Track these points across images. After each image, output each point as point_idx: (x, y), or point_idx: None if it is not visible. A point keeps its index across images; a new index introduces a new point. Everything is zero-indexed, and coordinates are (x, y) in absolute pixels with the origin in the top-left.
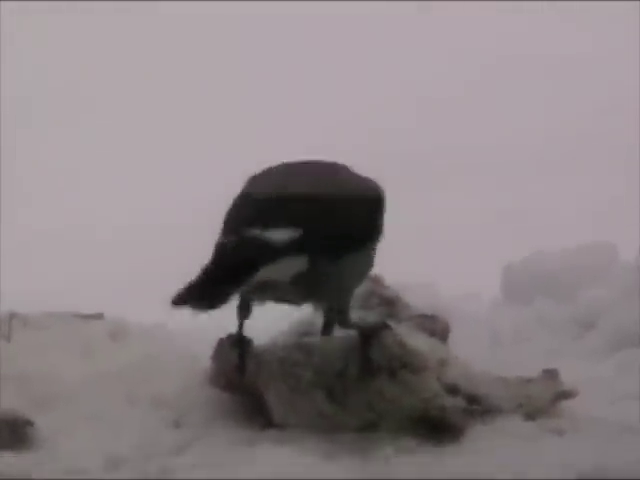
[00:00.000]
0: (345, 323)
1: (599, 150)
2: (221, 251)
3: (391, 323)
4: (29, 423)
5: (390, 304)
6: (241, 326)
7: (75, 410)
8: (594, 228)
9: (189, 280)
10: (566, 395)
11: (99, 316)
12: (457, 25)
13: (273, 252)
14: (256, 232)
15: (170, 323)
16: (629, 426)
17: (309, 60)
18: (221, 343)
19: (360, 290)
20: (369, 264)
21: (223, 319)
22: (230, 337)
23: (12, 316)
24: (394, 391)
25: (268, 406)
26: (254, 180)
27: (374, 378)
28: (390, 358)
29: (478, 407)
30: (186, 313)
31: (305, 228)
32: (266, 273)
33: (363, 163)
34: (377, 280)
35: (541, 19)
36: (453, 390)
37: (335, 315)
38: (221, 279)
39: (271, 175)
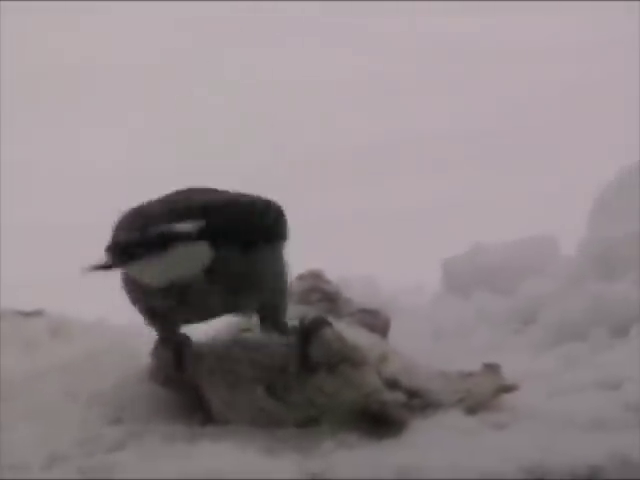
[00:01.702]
0: (281, 329)
1: (538, 143)
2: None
3: (331, 319)
4: None
5: (331, 299)
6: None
7: (15, 406)
8: (534, 221)
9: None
10: (507, 389)
11: (39, 313)
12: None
13: (172, 238)
14: (162, 228)
15: (111, 319)
16: (570, 420)
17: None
18: (160, 339)
19: (301, 285)
20: (282, 265)
21: None
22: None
23: None
24: (334, 386)
25: (207, 402)
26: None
27: (314, 373)
28: (330, 353)
29: (419, 401)
30: (126, 309)
31: (207, 219)
32: (172, 261)
33: (302, 150)
34: (318, 275)
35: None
36: (393, 384)
37: (269, 316)
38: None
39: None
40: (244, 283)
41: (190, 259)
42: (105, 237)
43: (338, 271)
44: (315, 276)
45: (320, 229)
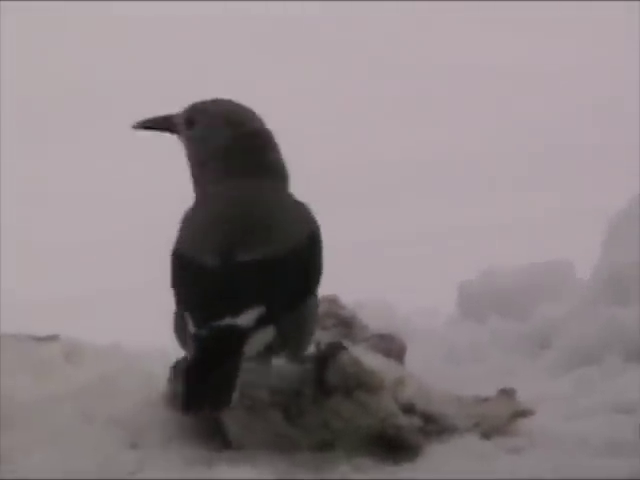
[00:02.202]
0: (300, 359)
1: (553, 167)
2: (201, 347)
3: (347, 343)
4: None
5: (346, 325)
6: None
7: (31, 431)
8: (548, 246)
9: (185, 383)
10: (523, 414)
11: (54, 337)
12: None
13: (246, 335)
14: (228, 321)
15: (125, 343)
16: (585, 443)
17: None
18: (177, 365)
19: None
20: (317, 304)
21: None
22: (185, 359)
23: None
24: (350, 410)
25: (225, 426)
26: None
27: (330, 398)
28: (346, 378)
29: (434, 426)
30: (142, 333)
31: (267, 303)
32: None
33: (316, 173)
34: (333, 301)
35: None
36: (409, 409)
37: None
38: (221, 381)
39: (213, 237)
40: (292, 339)
41: (259, 343)
42: (119, 260)
43: (353, 295)
44: (331, 301)
45: (335, 253)
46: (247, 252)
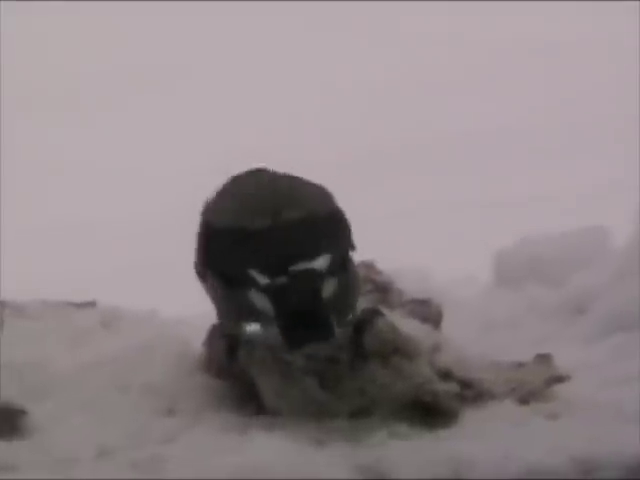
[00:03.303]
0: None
1: (589, 134)
2: (288, 291)
3: (384, 309)
4: (22, 412)
5: (383, 290)
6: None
7: (67, 399)
8: (584, 214)
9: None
10: (559, 379)
11: (91, 304)
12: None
13: (322, 278)
14: (305, 265)
15: (162, 311)
16: (621, 410)
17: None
18: (212, 330)
19: None
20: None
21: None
22: (221, 325)
23: (3, 305)
24: (386, 376)
25: (260, 392)
26: (245, 211)
27: (366, 364)
28: (382, 344)
29: (471, 392)
30: (178, 300)
31: (332, 253)
32: None
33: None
34: (370, 266)
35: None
36: (446, 375)
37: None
38: (317, 316)
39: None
40: (347, 298)
41: (327, 291)
42: (155, 231)
43: (390, 263)
44: (367, 267)
45: (373, 221)
46: (291, 211)
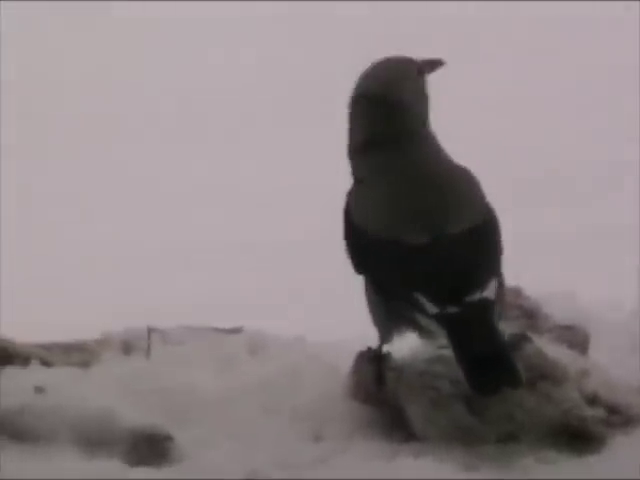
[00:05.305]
0: None
1: None
2: (466, 325)
3: (531, 335)
4: (169, 438)
5: (530, 316)
6: (382, 342)
7: (214, 424)
8: None
9: (477, 363)
10: None
11: (238, 330)
12: None
13: (493, 307)
14: (477, 296)
15: (309, 336)
16: None
17: None
18: (361, 356)
19: None
20: None
21: (362, 332)
22: (369, 350)
23: (151, 331)
24: (534, 402)
25: (408, 418)
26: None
27: (515, 390)
28: (530, 369)
29: (619, 417)
30: (325, 326)
31: (497, 275)
32: None
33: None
34: (517, 292)
35: None
36: (593, 400)
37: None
38: (500, 357)
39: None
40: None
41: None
42: (304, 255)
43: (537, 287)
44: (515, 293)
45: (519, 245)
46: (454, 223)
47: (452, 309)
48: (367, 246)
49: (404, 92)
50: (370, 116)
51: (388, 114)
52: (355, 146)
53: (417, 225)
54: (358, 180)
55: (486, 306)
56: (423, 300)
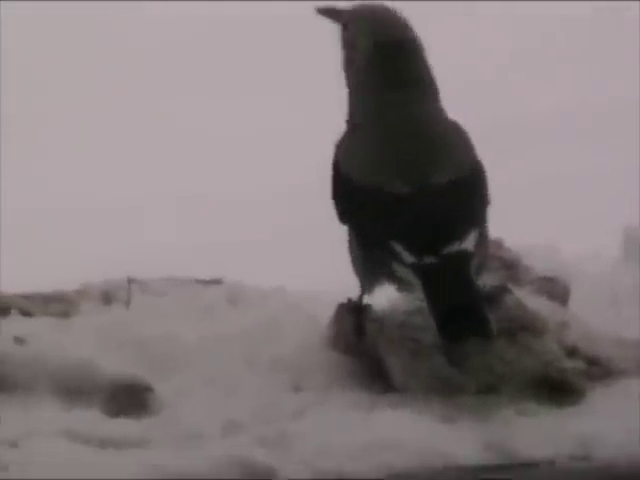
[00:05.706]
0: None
1: None
2: (441, 276)
3: (511, 286)
4: (148, 388)
5: (510, 267)
6: (363, 293)
7: (194, 375)
8: None
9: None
10: None
11: (217, 281)
12: None
13: (471, 259)
14: (456, 247)
15: (289, 287)
16: None
17: None
18: (341, 307)
19: None
20: None
21: (342, 283)
22: (349, 301)
23: (130, 281)
24: (514, 353)
25: (388, 370)
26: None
27: (494, 341)
28: (510, 321)
29: (598, 369)
30: (305, 277)
31: (479, 227)
32: None
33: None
34: (497, 243)
35: None
36: (573, 352)
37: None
38: (472, 309)
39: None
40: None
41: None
42: (284, 209)
43: (518, 239)
44: (495, 245)
45: (500, 196)
46: (439, 174)
47: (429, 259)
48: (351, 194)
49: (416, 36)
50: (388, 62)
51: (407, 59)
52: (362, 89)
53: (402, 174)
54: (351, 127)
55: (464, 257)
56: (400, 249)
